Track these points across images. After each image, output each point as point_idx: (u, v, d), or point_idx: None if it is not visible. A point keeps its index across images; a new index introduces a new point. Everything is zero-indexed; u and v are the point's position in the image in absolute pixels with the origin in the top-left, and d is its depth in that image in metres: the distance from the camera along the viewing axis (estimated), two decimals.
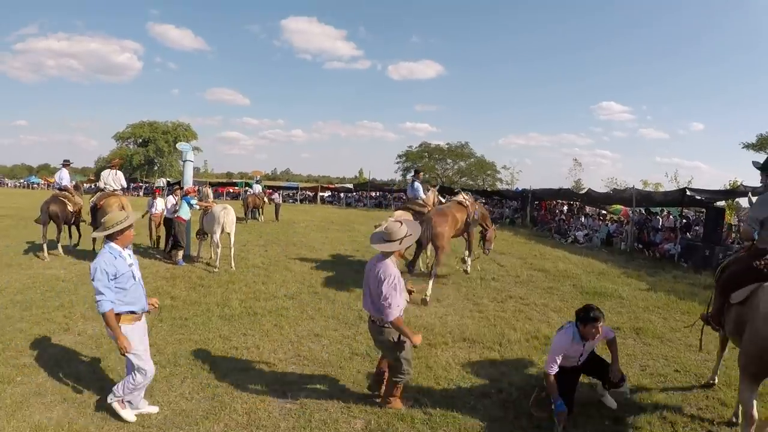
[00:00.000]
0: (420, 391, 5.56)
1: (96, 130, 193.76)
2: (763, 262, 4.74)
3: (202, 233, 12.95)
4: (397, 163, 63.38)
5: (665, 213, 24.56)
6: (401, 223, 4.98)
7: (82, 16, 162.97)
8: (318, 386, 5.54)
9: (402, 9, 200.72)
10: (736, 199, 23.61)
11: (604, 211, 29.79)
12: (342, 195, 54.87)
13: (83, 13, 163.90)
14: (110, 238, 4.60)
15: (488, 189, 49.42)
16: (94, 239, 13.49)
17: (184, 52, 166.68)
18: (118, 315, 4.52)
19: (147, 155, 67.94)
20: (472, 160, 61.47)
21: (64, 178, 13.70)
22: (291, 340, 6.98)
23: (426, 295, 9.34)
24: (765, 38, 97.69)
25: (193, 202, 12.99)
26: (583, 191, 30.43)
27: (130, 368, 4.76)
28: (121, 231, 4.61)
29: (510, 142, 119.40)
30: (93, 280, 4.43)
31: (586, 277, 13.01)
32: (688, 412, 5.44)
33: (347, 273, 11.65)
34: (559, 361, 4.92)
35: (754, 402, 4.36)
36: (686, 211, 23.09)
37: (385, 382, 5.22)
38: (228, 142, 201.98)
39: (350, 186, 59.04)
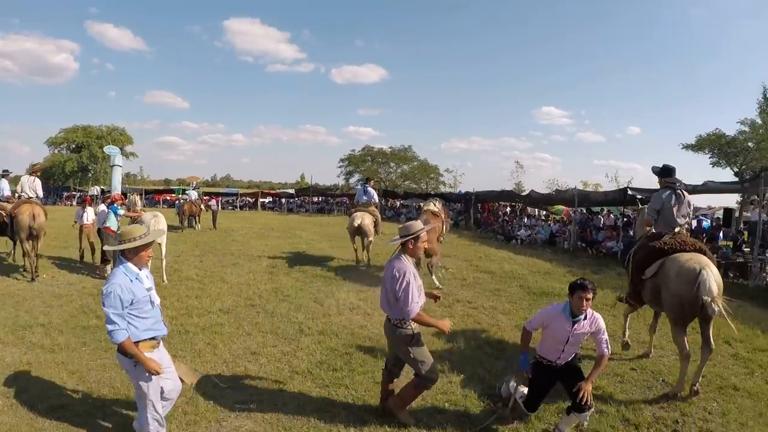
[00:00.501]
0: (367, 409, 5.20)
1: (30, 136, 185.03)
2: (662, 242, 6.41)
3: None
4: (340, 167, 63.08)
5: (606, 212, 25.06)
6: (421, 221, 5.12)
7: (18, 14, 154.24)
8: (255, 411, 5.08)
9: (347, 12, 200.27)
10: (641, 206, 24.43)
11: (545, 212, 30.23)
12: (283, 201, 53.94)
13: (19, 10, 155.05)
14: (125, 256, 4.03)
15: (432, 192, 49.63)
16: (13, 248, 12.47)
17: (123, 52, 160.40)
18: (135, 343, 3.92)
19: (80, 162, 64.82)
20: (415, 163, 61.82)
21: (4, 188, 12.65)
22: (225, 360, 6.48)
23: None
24: (694, 43, 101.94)
25: (120, 211, 12.26)
26: (525, 193, 30.79)
27: (142, 412, 4.15)
28: (139, 248, 4.03)
29: (453, 146, 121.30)
30: (104, 306, 3.84)
31: (533, 277, 12.98)
32: (651, 412, 5.37)
33: (287, 283, 11.20)
34: (539, 327, 4.86)
35: (686, 341, 5.92)
36: (626, 210, 23.61)
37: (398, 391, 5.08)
38: (166, 147, 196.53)
39: (292, 191, 58.24)
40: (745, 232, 18.53)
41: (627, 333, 7.66)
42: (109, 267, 11.72)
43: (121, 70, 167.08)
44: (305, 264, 13.68)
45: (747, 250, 16.01)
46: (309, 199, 51.77)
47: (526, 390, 5.07)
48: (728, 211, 20.81)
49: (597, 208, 25.98)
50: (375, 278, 11.70)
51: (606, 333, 4.72)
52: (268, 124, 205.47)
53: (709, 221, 21.89)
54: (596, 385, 5.84)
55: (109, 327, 3.80)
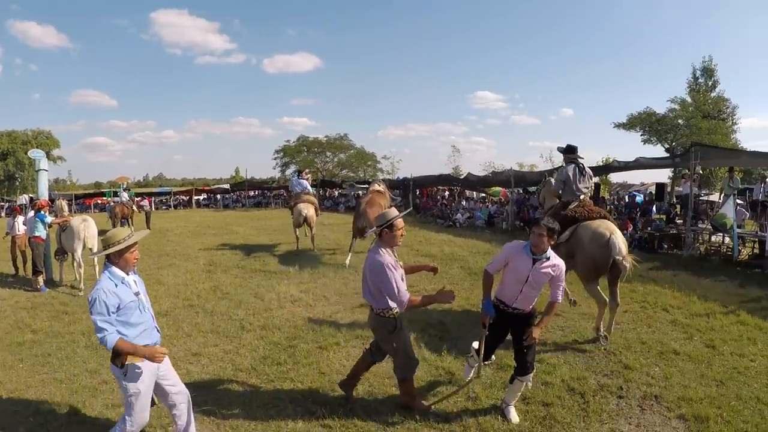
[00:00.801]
0: (314, 400, 5.25)
1: None
2: (572, 211, 7.59)
3: (62, 252, 11.72)
4: (275, 159, 61.97)
5: (538, 190, 25.81)
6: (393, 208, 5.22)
7: None
8: (200, 413, 5.03)
9: (277, 0, 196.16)
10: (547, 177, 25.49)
11: (483, 194, 30.82)
12: (219, 197, 52.90)
13: None
14: (110, 260, 3.91)
15: (370, 180, 49.68)
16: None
17: (46, 51, 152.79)
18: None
19: (6, 170, 61.57)
20: (352, 151, 61.49)
21: None
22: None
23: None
24: (624, 25, 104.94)
25: (48, 219, 11.82)
26: (463, 176, 31.27)
27: (125, 413, 4.00)
28: (123, 251, 3.89)
29: (389, 133, 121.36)
30: (91, 314, 3.72)
31: (473, 258, 13.30)
32: (595, 380, 5.66)
33: (226, 280, 11.09)
34: (501, 266, 4.93)
35: (600, 291, 7.11)
36: None
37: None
38: (94, 148, 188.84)
39: (227, 186, 57.09)
40: (678, 206, 19.44)
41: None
42: (41, 278, 11.31)
43: (45, 70, 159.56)
44: (244, 260, 13.57)
45: (680, 222, 16.82)
46: (245, 193, 50.98)
47: (476, 344, 5.23)
48: (660, 186, 21.77)
49: (534, 188, 26.69)
50: (315, 270, 11.76)
51: (564, 282, 4.89)
52: (199, 119, 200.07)
53: (642, 196, 22.92)
54: (540, 358, 6.10)
55: (99, 335, 3.69)
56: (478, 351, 5.11)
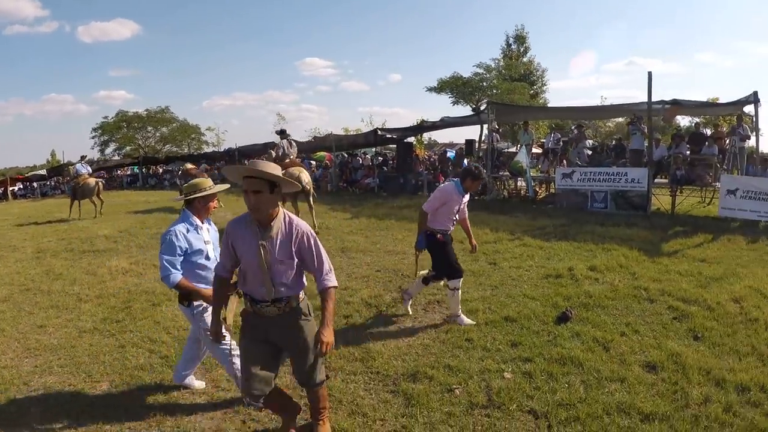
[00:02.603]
0: (153, 341, 6.03)
1: None
2: (284, 165, 12.48)
3: None
4: (93, 138, 57.57)
5: (363, 153, 27.54)
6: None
7: None
8: (55, 368, 5.55)
9: None
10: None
11: (312, 161, 31.91)
12: (36, 185, 48.55)
13: None
14: (189, 205, 4.19)
15: (195, 153, 48.41)
16: None
17: None
18: None
19: None
20: (174, 125, 58.89)
21: None
22: (16, 338, 6.71)
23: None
24: None
25: None
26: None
27: (222, 356, 4.25)
28: (208, 197, 4.20)
29: (215, 104, 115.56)
30: (160, 252, 4.00)
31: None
32: (390, 297, 7.14)
33: (57, 263, 11.05)
34: (438, 205, 5.97)
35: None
36: (386, 150, 26.34)
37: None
38: None
39: (44, 173, 52.32)
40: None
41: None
42: None
43: None
44: (72, 244, 13.46)
45: (485, 171, 19.09)
46: (64, 179, 47.42)
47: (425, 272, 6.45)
48: (469, 142, 23.83)
49: (360, 151, 28.36)
50: (144, 244, 12.14)
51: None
52: (9, 98, 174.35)
53: (454, 152, 25.26)
54: (345, 285, 7.43)
55: (162, 273, 3.97)
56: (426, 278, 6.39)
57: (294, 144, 14.76)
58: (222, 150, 42.81)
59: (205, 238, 4.22)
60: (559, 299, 6.77)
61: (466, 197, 6.18)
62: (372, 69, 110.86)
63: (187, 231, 4.11)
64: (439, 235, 6.04)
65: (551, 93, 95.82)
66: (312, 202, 12.96)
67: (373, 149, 27.17)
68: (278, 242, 3.35)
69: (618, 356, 5.13)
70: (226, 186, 5.01)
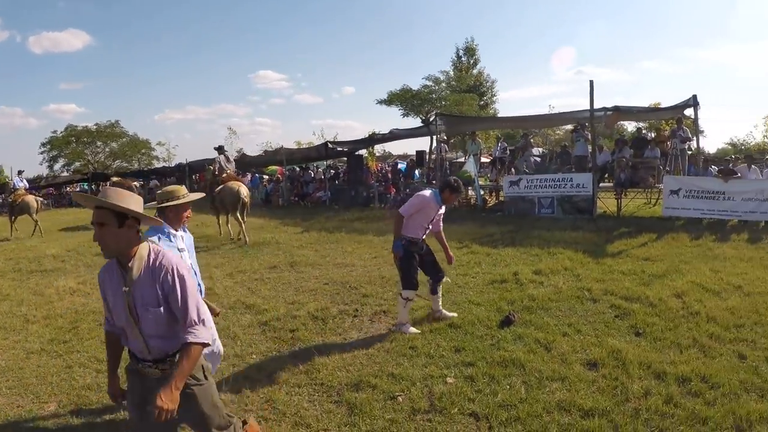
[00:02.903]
0: (100, 361, 5.79)
1: None
2: (221, 179, 13.88)
3: None
4: (42, 153, 55.82)
5: (315, 166, 27.44)
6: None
7: None
8: (3, 389, 5.34)
9: None
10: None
11: (265, 175, 31.62)
12: None
13: None
14: (161, 213, 4.01)
15: (145, 169, 47.51)
16: None
17: None
18: None
19: None
20: (124, 140, 57.61)
21: None
22: None
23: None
24: (400, 7, 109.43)
25: None
26: (236, 157, 31.74)
27: None
28: (180, 207, 4.06)
29: (167, 117, 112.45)
30: None
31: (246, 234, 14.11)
32: (337, 309, 7.05)
33: (3, 284, 10.43)
34: (414, 211, 6.01)
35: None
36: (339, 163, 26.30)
37: None
38: None
39: None
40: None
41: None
42: None
43: None
44: (19, 263, 13.01)
45: (434, 182, 19.11)
46: (8, 196, 45.85)
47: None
48: (420, 153, 23.95)
49: (312, 164, 28.22)
50: (92, 263, 11.80)
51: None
52: None
53: (405, 164, 25.37)
54: (291, 299, 7.27)
55: None
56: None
57: (231, 159, 15.27)
58: (173, 165, 42.06)
59: (179, 246, 4.02)
60: (503, 304, 6.80)
61: (443, 209, 6.27)
62: (325, 81, 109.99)
63: (159, 239, 3.84)
64: (411, 240, 6.09)
65: (501, 103, 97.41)
66: (244, 217, 13.12)
67: (325, 162, 27.12)
68: (141, 285, 2.78)
69: (559, 356, 5.17)
70: (201, 195, 4.88)
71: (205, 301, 4.12)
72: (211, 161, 17.67)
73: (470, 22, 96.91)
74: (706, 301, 6.71)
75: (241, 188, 12.86)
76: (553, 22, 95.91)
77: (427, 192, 6.17)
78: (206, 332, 2.85)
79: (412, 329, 6.05)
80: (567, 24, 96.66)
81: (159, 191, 4.21)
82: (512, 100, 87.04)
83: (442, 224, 6.43)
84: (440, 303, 6.44)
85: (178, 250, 3.93)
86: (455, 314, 6.39)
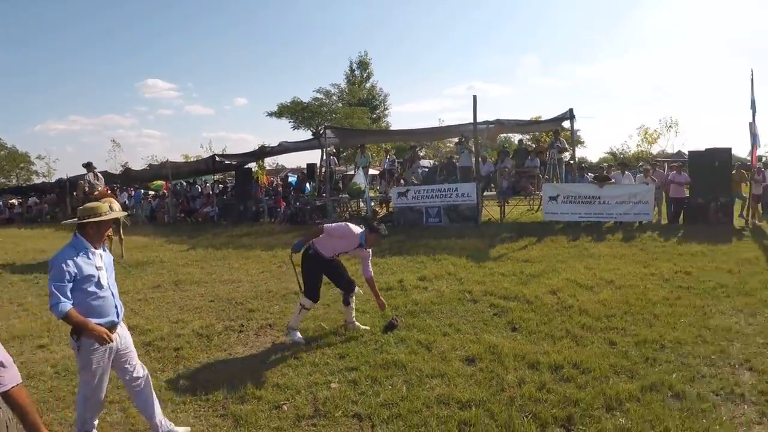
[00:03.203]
0: None
1: None
2: (93, 196, 11.87)
3: None
4: None
5: (203, 180, 26.73)
6: None
7: None
8: None
9: None
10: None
11: (150, 190, 30.39)
12: None
13: None
14: (81, 230, 3.79)
15: (23, 185, 44.14)
16: None
17: None
18: None
19: None
20: (2, 153, 53.43)
21: None
22: None
23: None
24: (297, 18, 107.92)
25: None
26: (119, 171, 30.41)
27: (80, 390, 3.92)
28: (101, 223, 3.83)
29: (49, 128, 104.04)
30: (49, 279, 3.59)
31: (129, 254, 13.45)
32: (222, 325, 6.94)
33: None
34: (336, 235, 6.12)
35: None
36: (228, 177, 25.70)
37: None
38: None
39: None
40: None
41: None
42: None
43: None
44: None
45: (324, 195, 19.10)
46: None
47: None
48: (311, 166, 23.72)
49: (201, 178, 27.46)
50: None
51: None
52: None
53: (296, 177, 25.21)
54: (176, 318, 7.07)
55: (52, 301, 3.56)
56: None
57: (100, 176, 14.42)
58: (53, 181, 39.35)
59: (97, 264, 3.85)
60: (388, 310, 6.90)
61: (369, 252, 6.38)
62: (217, 92, 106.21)
63: (78, 255, 3.73)
64: (320, 255, 6.21)
65: (395, 116, 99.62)
66: (121, 234, 12.98)
67: (213, 177, 26.48)
68: None
69: (440, 354, 5.38)
70: (124, 213, 4.77)
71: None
72: (78, 177, 16.96)
73: (365, 36, 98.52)
74: (580, 295, 7.25)
75: (114, 203, 12.31)
76: (444, 39, 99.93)
77: (357, 229, 6.26)
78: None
79: (299, 337, 6.10)
80: (457, 41, 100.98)
81: (80, 207, 4.08)
82: (406, 114, 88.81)
83: (371, 270, 6.45)
84: (353, 315, 6.47)
85: (96, 269, 3.81)
86: (368, 327, 6.39)
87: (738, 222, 14.00)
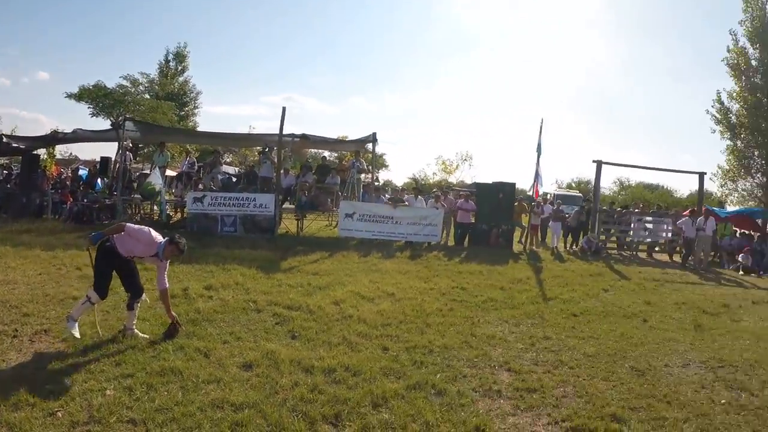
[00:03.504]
0: None
1: None
2: None
3: None
4: None
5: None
6: None
7: None
8: None
9: None
10: None
11: None
12: None
13: None
14: None
15: None
16: None
17: None
18: None
19: None
20: None
21: None
22: None
23: None
24: None
25: None
26: None
27: None
28: None
29: None
30: None
31: None
32: None
33: None
34: (135, 233, 6.05)
35: None
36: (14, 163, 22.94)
37: None
38: None
39: None
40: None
41: None
42: None
43: None
44: None
45: (116, 193, 17.81)
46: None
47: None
48: (105, 160, 21.49)
49: None
50: None
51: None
52: None
53: (87, 170, 23.35)
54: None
55: None
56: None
57: None
58: None
59: None
60: (168, 318, 6.81)
61: (163, 263, 6.27)
62: (14, 60, 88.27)
63: None
64: (115, 249, 6.12)
65: (206, 116, 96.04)
66: None
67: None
68: None
69: (217, 361, 5.59)
70: None
71: None
72: None
73: (188, 26, 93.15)
74: (361, 306, 7.90)
75: None
76: (273, 46, 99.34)
77: (159, 237, 6.22)
78: None
79: (76, 330, 5.93)
80: (285, 52, 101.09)
81: None
82: (220, 115, 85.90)
83: (166, 283, 6.35)
84: (134, 321, 6.36)
85: None
86: (148, 336, 6.28)
87: (517, 247, 16.21)
